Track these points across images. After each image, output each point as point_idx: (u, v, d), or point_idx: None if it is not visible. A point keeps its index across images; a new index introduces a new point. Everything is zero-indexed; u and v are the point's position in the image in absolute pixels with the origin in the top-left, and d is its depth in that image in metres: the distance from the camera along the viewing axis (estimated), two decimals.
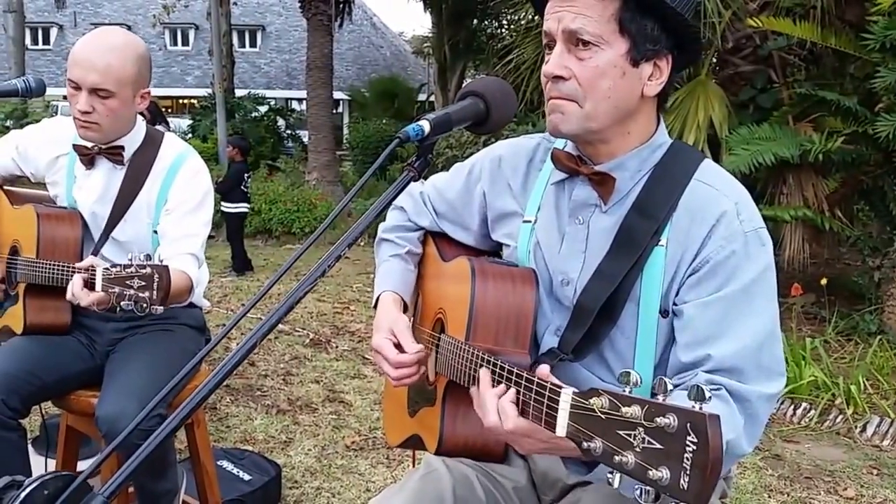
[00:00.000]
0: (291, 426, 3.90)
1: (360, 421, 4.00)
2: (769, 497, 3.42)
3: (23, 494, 1.05)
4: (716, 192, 1.36)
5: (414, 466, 1.79)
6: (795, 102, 6.27)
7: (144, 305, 1.83)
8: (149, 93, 2.25)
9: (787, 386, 4.43)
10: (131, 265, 1.84)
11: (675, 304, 1.35)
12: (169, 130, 9.14)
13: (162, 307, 1.86)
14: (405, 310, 1.68)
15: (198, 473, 2.52)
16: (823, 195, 6.01)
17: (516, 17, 9.28)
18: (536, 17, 6.86)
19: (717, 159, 6.02)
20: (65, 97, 2.32)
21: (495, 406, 1.22)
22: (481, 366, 1.28)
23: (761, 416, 1.30)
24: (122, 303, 1.85)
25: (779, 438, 4.07)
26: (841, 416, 4.27)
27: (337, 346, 5.46)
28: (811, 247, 6.25)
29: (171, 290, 1.92)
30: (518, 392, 1.18)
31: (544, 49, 1.37)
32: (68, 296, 1.99)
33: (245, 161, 8.82)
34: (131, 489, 2.37)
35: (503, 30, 15.22)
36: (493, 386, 1.24)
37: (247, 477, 2.99)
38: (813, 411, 4.32)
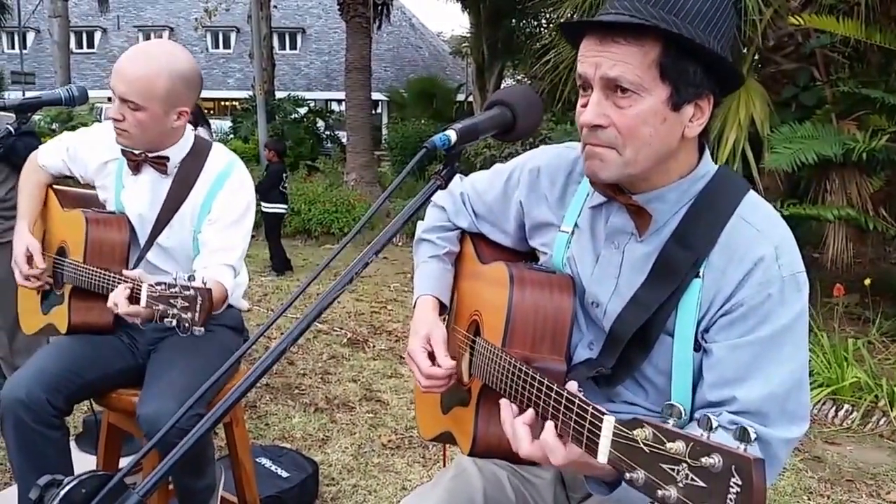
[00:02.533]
0: (329, 424, 3.95)
1: (397, 420, 4.04)
2: (809, 499, 3.37)
3: (62, 493, 1.09)
4: (756, 234, 1.31)
5: (445, 466, 1.81)
6: (839, 100, 6.16)
7: (187, 325, 1.89)
8: (186, 111, 2.24)
9: (829, 387, 4.42)
10: (176, 285, 1.89)
11: (704, 340, 1.33)
12: (210, 133, 9.31)
13: (202, 328, 1.90)
14: (442, 311, 1.69)
15: (236, 470, 2.56)
16: (867, 194, 5.90)
17: (555, 17, 9.23)
18: (575, 17, 6.82)
19: (758, 157, 5.97)
20: (109, 99, 2.38)
21: (528, 436, 1.19)
22: (519, 379, 1.26)
23: (781, 458, 1.30)
24: (164, 320, 1.90)
25: (820, 440, 4.02)
26: (884, 418, 4.19)
27: (374, 346, 5.51)
28: (855, 246, 6.15)
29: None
30: (548, 406, 1.16)
31: (578, 87, 1.33)
32: (110, 303, 2.04)
33: (282, 162, 8.94)
34: (171, 486, 2.43)
35: (541, 29, 15.16)
36: (523, 411, 1.22)
37: (285, 474, 3.04)
38: (855, 413, 4.25)
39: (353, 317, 6.38)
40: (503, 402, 1.27)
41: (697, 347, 1.34)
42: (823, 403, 4.36)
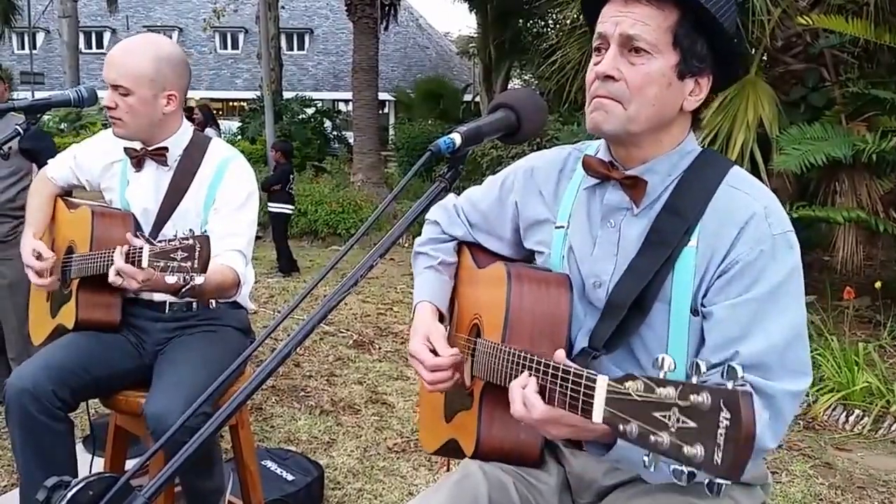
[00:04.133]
0: (334, 427, 3.95)
1: (403, 423, 4.03)
2: None
3: (69, 494, 1.10)
4: (745, 196, 1.39)
5: (450, 470, 1.80)
6: (848, 101, 6.13)
7: (187, 277, 1.87)
8: (176, 95, 2.31)
9: (839, 392, 4.38)
10: (175, 238, 1.89)
11: (703, 305, 1.38)
12: (219, 133, 9.28)
13: (203, 276, 1.89)
14: (441, 319, 1.71)
15: (241, 473, 2.56)
16: (877, 196, 5.86)
17: (562, 17, 9.22)
18: (582, 17, 6.81)
19: (767, 159, 5.94)
20: None
21: (521, 396, 1.26)
22: (517, 363, 1.31)
23: (786, 413, 1.32)
24: (166, 277, 1.88)
25: (830, 446, 3.98)
26: None
27: (380, 348, 5.50)
28: (865, 249, 6.11)
29: (216, 279, 1.96)
30: (545, 382, 1.22)
31: (592, 51, 1.42)
32: (111, 276, 2.04)
33: (289, 162, 8.96)
34: (178, 488, 2.43)
35: (548, 30, 15.14)
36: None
37: (290, 477, 3.03)
38: (866, 418, 4.21)
39: (360, 318, 6.38)
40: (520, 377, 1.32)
41: (696, 313, 1.39)
42: (834, 409, 4.32)
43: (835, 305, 5.31)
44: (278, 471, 3.06)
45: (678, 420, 0.87)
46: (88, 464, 2.57)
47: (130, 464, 2.71)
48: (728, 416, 0.83)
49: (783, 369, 1.31)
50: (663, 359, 0.94)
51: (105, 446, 2.64)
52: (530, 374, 1.27)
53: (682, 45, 1.35)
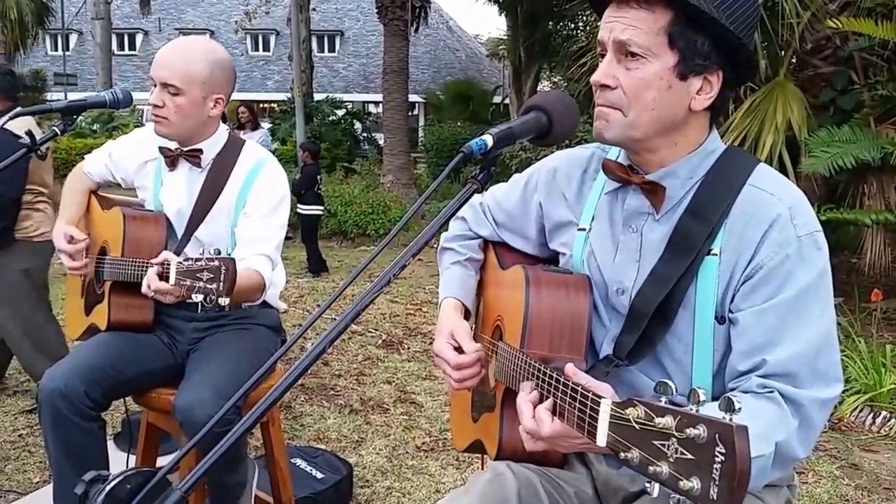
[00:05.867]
0: (363, 426, 3.98)
1: (431, 422, 4.05)
2: None
3: (107, 488, 1.12)
4: (769, 197, 1.35)
5: (483, 469, 1.81)
6: (877, 104, 6.07)
7: (212, 297, 1.90)
8: (223, 99, 2.35)
9: (866, 393, 4.34)
10: (201, 259, 1.93)
11: (730, 311, 1.35)
12: (266, 134, 9.32)
13: (228, 299, 1.92)
14: (467, 315, 1.71)
15: (272, 470, 2.59)
16: None
17: (592, 19, 9.18)
18: None
19: (795, 161, 5.89)
20: None
21: (531, 412, 1.26)
22: (531, 374, 1.31)
23: (815, 421, 1.29)
24: (192, 294, 1.92)
25: (857, 447, 3.94)
26: None
27: (409, 348, 5.52)
28: (893, 251, 6.05)
29: (242, 285, 1.99)
30: (556, 398, 1.20)
31: (598, 56, 1.40)
32: (143, 288, 2.09)
33: (316, 164, 9.01)
34: (205, 483, 2.46)
35: (578, 32, 15.07)
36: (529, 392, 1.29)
37: (319, 475, 3.06)
38: (893, 420, 4.16)
39: (388, 318, 6.41)
40: (522, 384, 1.32)
41: (722, 321, 1.36)
42: (861, 410, 4.28)
43: (862, 307, 5.25)
44: (308, 469, 3.09)
45: (676, 451, 0.87)
46: (123, 461, 2.61)
47: (161, 460, 2.75)
48: (723, 450, 0.82)
49: (812, 376, 1.28)
50: (665, 384, 0.93)
51: (136, 443, 2.69)
52: (536, 387, 1.27)
53: (678, 45, 1.30)
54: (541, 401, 1.26)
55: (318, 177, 8.82)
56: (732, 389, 1.34)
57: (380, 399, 4.40)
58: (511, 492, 1.48)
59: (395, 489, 3.27)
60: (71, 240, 2.45)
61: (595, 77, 1.36)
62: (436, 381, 4.72)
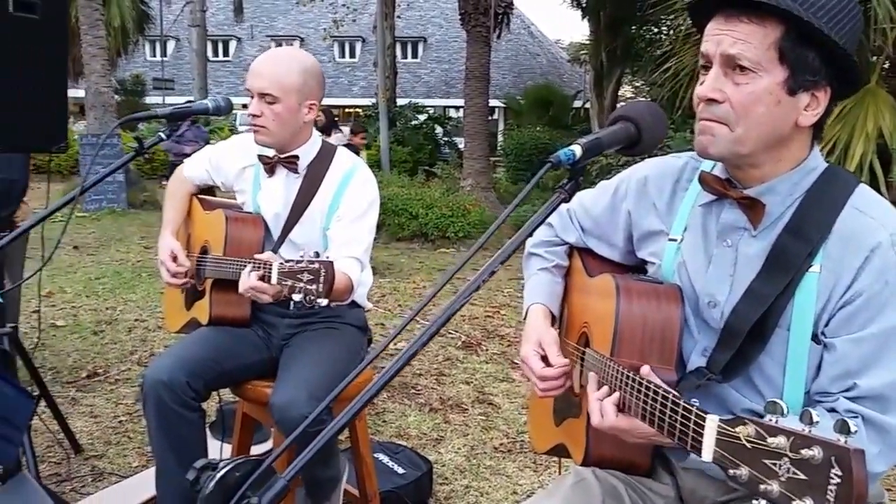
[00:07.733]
0: (442, 424, 4.05)
1: (508, 423, 4.09)
2: None
3: (218, 475, 1.21)
4: (871, 221, 1.33)
5: (560, 473, 1.84)
6: None
7: (312, 298, 1.99)
8: (315, 105, 2.46)
9: None
10: (302, 260, 2.02)
11: (824, 335, 1.33)
12: (345, 136, 9.48)
13: (326, 300, 2.00)
14: (553, 321, 1.72)
15: (357, 464, 2.68)
16: None
17: (676, 24, 9.04)
18: None
19: (887, 171, 5.68)
20: (244, 106, 2.56)
21: (598, 407, 1.32)
22: (626, 384, 1.31)
23: None
24: (293, 294, 2.01)
25: None
26: None
27: (487, 350, 5.58)
28: None
29: (335, 286, 2.08)
30: (654, 408, 1.21)
31: (699, 68, 1.38)
32: (241, 288, 2.19)
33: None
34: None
35: (662, 36, 14.83)
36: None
37: (401, 471, 3.14)
38: None
39: (468, 320, 6.47)
40: (590, 375, 1.37)
41: (817, 340, 1.34)
42: None
43: None
44: (390, 464, 3.18)
45: (788, 470, 0.88)
46: (217, 448, 2.75)
47: (254, 449, 2.89)
48: (840, 473, 0.83)
49: None
50: (775, 404, 0.94)
51: (231, 432, 2.83)
52: (633, 396, 1.28)
53: (789, 60, 1.28)
54: (631, 410, 1.29)
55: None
56: (817, 403, 1.34)
57: (458, 399, 4.47)
58: (595, 498, 1.49)
59: (472, 488, 3.33)
60: (174, 258, 2.59)
61: (701, 91, 1.34)
62: (513, 384, 4.76)
